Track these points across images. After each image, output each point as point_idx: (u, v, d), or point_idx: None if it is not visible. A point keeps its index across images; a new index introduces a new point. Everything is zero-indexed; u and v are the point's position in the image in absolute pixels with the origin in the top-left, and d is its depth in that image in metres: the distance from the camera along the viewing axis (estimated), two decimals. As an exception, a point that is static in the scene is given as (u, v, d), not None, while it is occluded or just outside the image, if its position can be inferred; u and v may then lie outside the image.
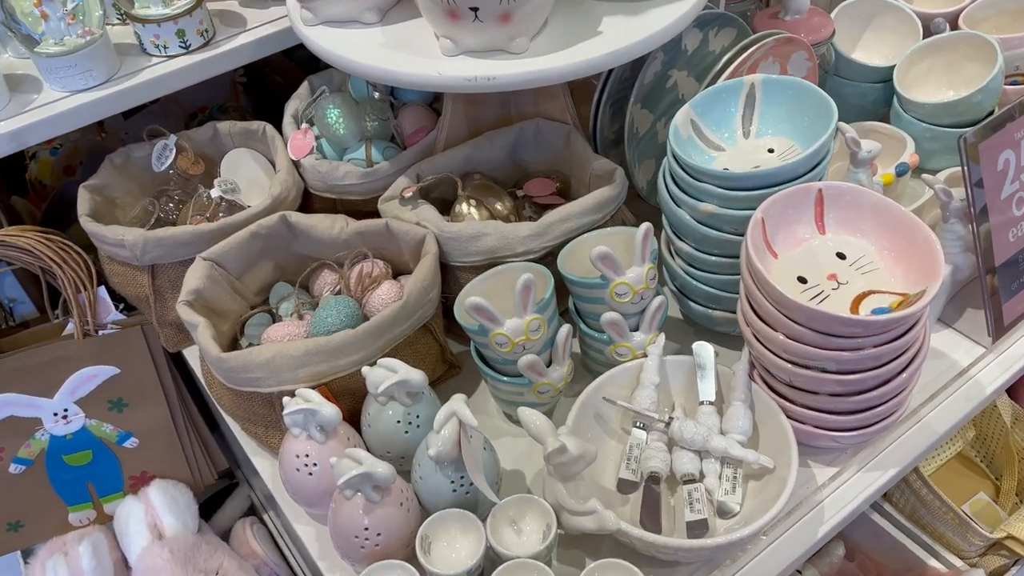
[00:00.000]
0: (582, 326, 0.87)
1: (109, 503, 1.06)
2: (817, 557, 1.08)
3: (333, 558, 0.79)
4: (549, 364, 0.84)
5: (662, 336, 0.85)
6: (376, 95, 1.05)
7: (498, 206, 0.97)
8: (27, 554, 1.01)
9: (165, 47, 0.99)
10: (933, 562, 0.98)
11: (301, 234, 0.94)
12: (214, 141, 1.07)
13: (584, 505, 0.72)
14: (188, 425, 1.07)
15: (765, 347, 0.77)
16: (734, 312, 0.84)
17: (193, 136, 1.07)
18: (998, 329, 0.90)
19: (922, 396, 0.88)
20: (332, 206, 1.04)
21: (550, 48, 0.83)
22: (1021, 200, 0.89)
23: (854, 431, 0.78)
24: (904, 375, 0.76)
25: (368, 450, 0.83)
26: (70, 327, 1.01)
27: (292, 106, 1.08)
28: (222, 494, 1.16)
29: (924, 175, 0.90)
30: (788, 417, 0.79)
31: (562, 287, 0.86)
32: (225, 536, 1.07)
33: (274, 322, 0.94)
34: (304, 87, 1.11)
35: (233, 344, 0.93)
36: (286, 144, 1.04)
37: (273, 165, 1.05)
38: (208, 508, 1.15)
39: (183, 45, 0.99)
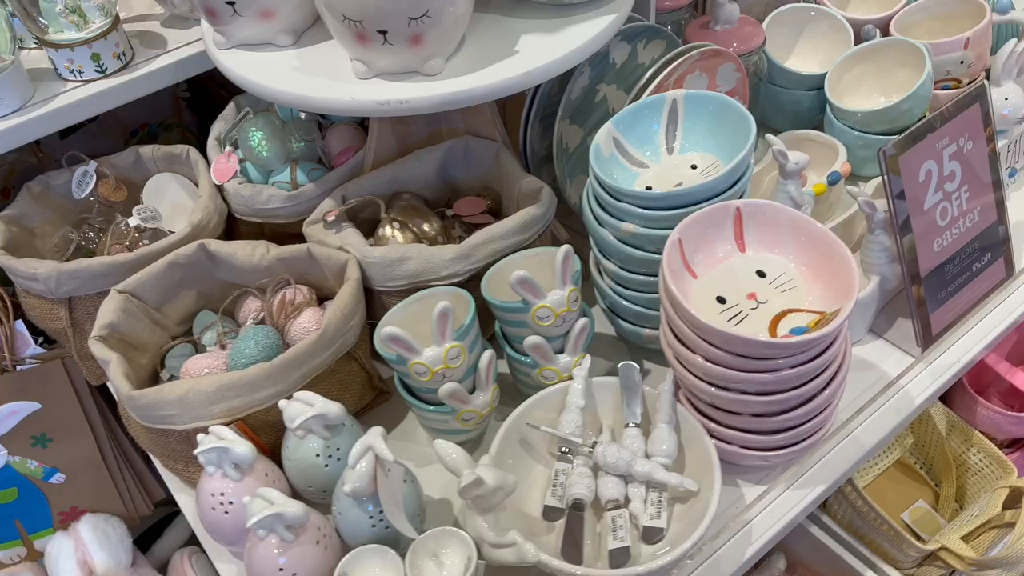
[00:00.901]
0: (508, 350, 0.86)
1: (39, 539, 1.04)
2: (757, 571, 1.07)
3: (255, 597, 0.77)
4: (474, 390, 0.82)
5: (588, 358, 0.84)
6: (302, 115, 1.03)
7: (425, 227, 0.95)
8: (-48, 596, 0.98)
9: (80, 72, 0.96)
10: (870, 574, 0.98)
11: (222, 262, 0.91)
12: (137, 166, 1.05)
13: (504, 537, 0.70)
14: (119, 457, 1.05)
15: (686, 369, 0.76)
16: (660, 331, 0.84)
17: (115, 161, 1.04)
18: (926, 339, 0.90)
19: (850, 409, 0.87)
20: (259, 231, 1.02)
21: (466, 68, 0.82)
22: (945, 210, 0.89)
23: (780, 450, 0.78)
24: (826, 392, 0.75)
25: (290, 484, 0.81)
26: (-11, 363, 0.98)
27: (217, 128, 1.06)
28: (164, 523, 1.14)
29: (848, 187, 0.90)
30: (714, 437, 0.78)
31: (489, 310, 0.85)
32: (165, 567, 1.05)
33: (197, 352, 0.92)
34: (230, 108, 1.09)
35: (154, 377, 0.91)
36: (210, 168, 1.01)
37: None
38: (150, 538, 1.13)
39: (99, 69, 0.97)
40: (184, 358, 0.89)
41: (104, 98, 0.97)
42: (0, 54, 0.91)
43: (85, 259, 0.91)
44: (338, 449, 0.78)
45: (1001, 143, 1.04)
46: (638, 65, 1.04)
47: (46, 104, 0.95)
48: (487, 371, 0.81)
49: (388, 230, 0.91)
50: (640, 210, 0.80)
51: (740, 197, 0.82)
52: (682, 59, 0.94)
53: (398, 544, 0.74)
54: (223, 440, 0.74)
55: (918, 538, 1.03)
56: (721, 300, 0.76)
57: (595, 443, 0.79)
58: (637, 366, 0.82)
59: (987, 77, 1.09)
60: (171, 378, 0.89)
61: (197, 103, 1.42)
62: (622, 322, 0.91)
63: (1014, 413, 1.00)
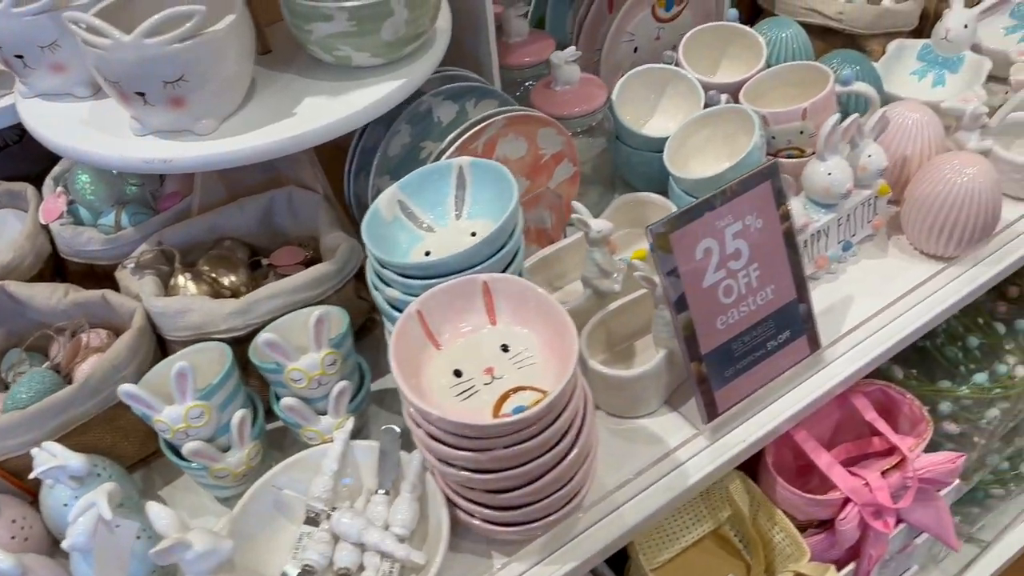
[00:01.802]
0: (275, 408, 0.87)
1: None
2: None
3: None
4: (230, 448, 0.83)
5: (350, 421, 0.84)
6: (137, 159, 1.05)
7: (232, 278, 0.96)
8: None
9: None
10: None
11: (23, 303, 0.94)
12: (-20, 200, 1.08)
13: (211, 602, 0.71)
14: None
15: (420, 442, 0.76)
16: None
17: (-42, 196, 1.07)
18: (710, 415, 0.89)
19: (616, 481, 0.87)
20: (90, 271, 1.04)
21: (240, 128, 0.83)
22: (730, 288, 0.88)
23: (518, 526, 0.77)
24: (557, 470, 0.74)
25: (46, 527, 0.82)
26: None
27: (56, 168, 1.08)
28: None
29: (633, 261, 0.89)
30: (460, 509, 0.78)
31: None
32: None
33: (6, 390, 0.94)
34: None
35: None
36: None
37: (44, 227, 1.06)
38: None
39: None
40: (-20, 397, 0.91)
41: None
42: None
43: None
44: (86, 499, 0.79)
45: (827, 218, 1.02)
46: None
47: None
48: (239, 430, 0.81)
49: (180, 280, 0.93)
50: (400, 278, 0.80)
51: (511, 263, 0.83)
52: (486, 123, 0.94)
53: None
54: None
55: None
56: (458, 373, 0.76)
57: (334, 509, 0.79)
58: (397, 430, 0.83)
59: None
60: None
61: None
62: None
63: (808, 495, 0.98)
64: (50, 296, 0.93)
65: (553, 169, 1.06)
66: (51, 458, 0.77)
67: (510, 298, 0.78)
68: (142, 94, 0.77)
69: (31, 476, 0.77)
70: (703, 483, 0.88)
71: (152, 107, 0.79)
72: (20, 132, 1.10)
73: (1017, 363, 1.15)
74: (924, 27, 1.33)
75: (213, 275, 0.95)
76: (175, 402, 0.78)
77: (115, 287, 0.95)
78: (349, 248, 0.94)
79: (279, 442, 0.93)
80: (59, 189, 1.04)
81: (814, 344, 0.95)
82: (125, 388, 0.76)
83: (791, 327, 0.93)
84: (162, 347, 0.92)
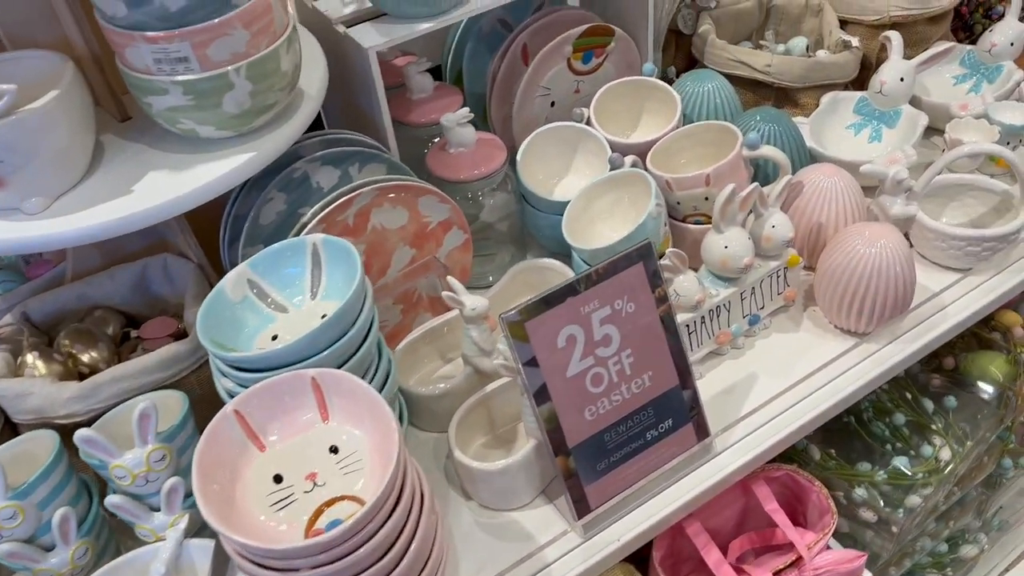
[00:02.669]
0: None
1: None
2: None
3: None
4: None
5: (185, 518, 0.79)
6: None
7: (93, 354, 0.92)
8: None
9: None
10: None
11: None
12: None
13: None
14: None
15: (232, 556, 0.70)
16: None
17: None
18: (581, 512, 0.83)
19: (475, 590, 0.81)
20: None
21: (78, 206, 0.79)
22: (599, 377, 0.82)
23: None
24: (383, 588, 0.69)
25: None
26: None
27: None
28: None
29: (499, 346, 0.84)
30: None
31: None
32: None
33: None
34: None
35: None
36: (-90, 273, 1.00)
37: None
38: None
39: None
40: None
41: None
42: None
43: None
44: None
45: (728, 291, 0.96)
46: (355, 188, 1.00)
47: None
48: (61, 529, 0.77)
49: (29, 358, 0.88)
50: (232, 370, 0.75)
51: (355, 354, 0.78)
52: (353, 195, 0.89)
53: None
54: None
55: None
56: (278, 479, 0.70)
57: (155, 618, 0.74)
58: (233, 530, 0.77)
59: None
60: None
61: None
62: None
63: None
64: None
65: (442, 237, 1.01)
66: None
67: (341, 395, 0.73)
68: (-43, 174, 0.73)
69: None
70: (572, 586, 0.82)
71: (-29, 187, 0.75)
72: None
73: (943, 446, 1.07)
74: (867, 76, 1.26)
75: (72, 351, 0.91)
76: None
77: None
78: (207, 326, 0.89)
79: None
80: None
81: (702, 432, 0.89)
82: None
83: (674, 415, 0.87)
84: (14, 429, 0.88)
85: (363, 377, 0.80)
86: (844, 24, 1.32)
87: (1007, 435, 1.26)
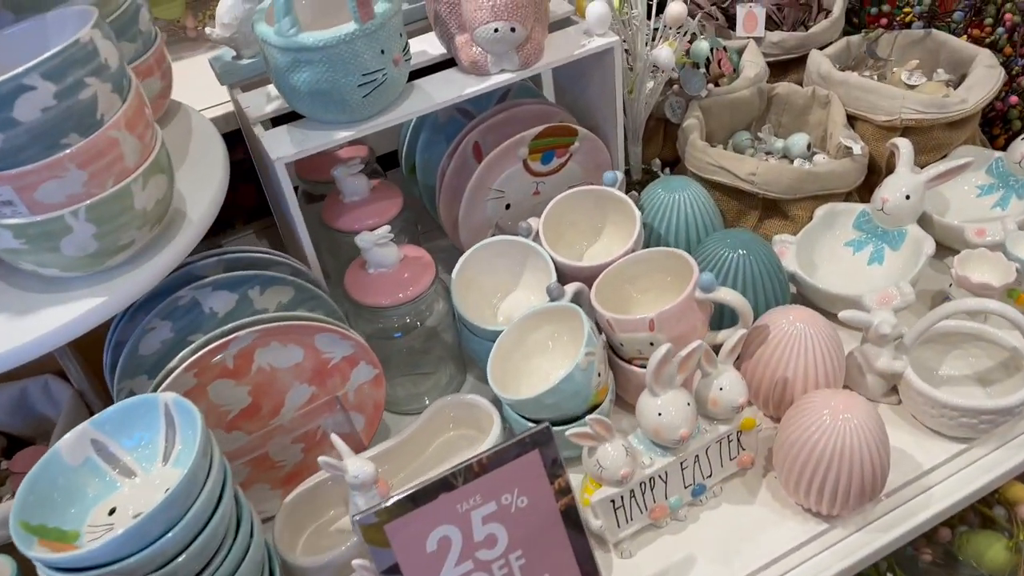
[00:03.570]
0: None
1: None
2: None
3: None
4: None
5: None
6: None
7: (-49, 488, 0.84)
8: None
9: None
10: None
11: None
12: None
13: None
14: None
15: None
16: None
17: None
18: None
19: None
20: None
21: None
22: (481, 582, 0.70)
23: None
24: None
25: None
26: None
27: None
28: None
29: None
30: None
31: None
32: None
33: None
34: None
35: None
36: None
37: None
38: None
39: None
40: None
41: None
42: None
43: None
44: None
45: (665, 461, 0.82)
46: (257, 311, 0.90)
47: None
48: None
49: None
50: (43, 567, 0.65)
51: (184, 551, 0.67)
52: (228, 339, 0.79)
53: None
54: None
55: None
56: None
57: None
58: None
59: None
60: None
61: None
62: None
63: None
64: None
65: (348, 372, 0.90)
66: None
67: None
68: None
69: None
70: None
71: None
72: None
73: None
74: (875, 181, 1.10)
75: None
76: None
77: None
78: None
79: None
80: None
81: (613, 640, 0.75)
82: None
83: (577, 623, 0.74)
84: None
85: (209, 563, 0.69)
86: (853, 121, 1.17)
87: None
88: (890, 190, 1.04)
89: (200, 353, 0.78)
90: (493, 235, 1.06)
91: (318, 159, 1.10)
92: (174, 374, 0.78)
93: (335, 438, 0.79)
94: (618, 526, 0.83)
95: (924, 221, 1.09)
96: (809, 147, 1.17)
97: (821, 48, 1.25)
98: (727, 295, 0.87)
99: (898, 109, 1.11)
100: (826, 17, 1.29)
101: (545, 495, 0.70)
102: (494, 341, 0.93)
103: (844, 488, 0.80)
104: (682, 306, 0.86)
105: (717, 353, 0.84)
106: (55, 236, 0.68)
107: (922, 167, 1.12)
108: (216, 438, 0.83)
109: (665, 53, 1.04)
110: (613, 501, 0.81)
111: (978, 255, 1.00)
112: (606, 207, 1.04)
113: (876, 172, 1.15)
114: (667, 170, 1.22)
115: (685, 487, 0.85)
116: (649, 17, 1.07)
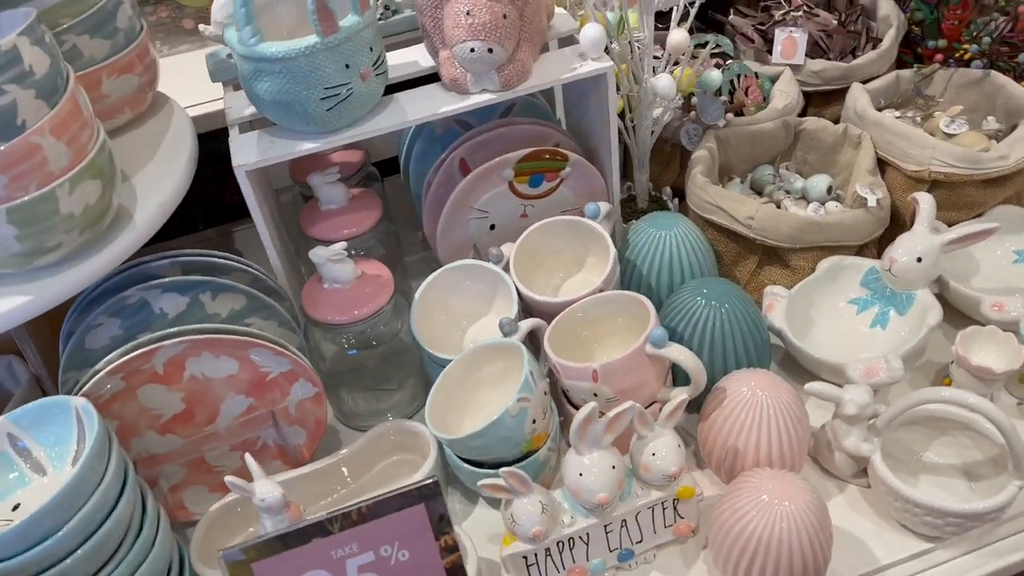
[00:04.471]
0: None
1: None
2: None
3: None
4: None
5: None
6: None
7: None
8: None
9: None
10: None
11: None
12: None
13: None
14: None
15: None
16: None
17: None
18: None
19: None
20: None
21: None
22: (356, 632, 0.67)
23: None
24: None
25: None
26: None
27: None
28: None
29: None
30: None
31: None
32: None
33: None
34: None
35: None
36: None
37: None
38: None
39: None
40: None
41: None
42: None
43: None
44: None
45: (586, 523, 0.78)
46: (209, 315, 0.90)
47: None
48: None
49: None
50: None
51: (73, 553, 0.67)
52: (154, 347, 0.79)
53: None
54: None
55: None
56: None
57: None
58: None
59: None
60: None
61: None
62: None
63: None
64: None
65: (287, 388, 0.89)
66: None
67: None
68: None
69: None
70: None
71: None
72: None
73: None
74: (897, 233, 1.00)
75: None
76: None
77: None
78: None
79: None
80: None
81: None
82: None
83: None
84: None
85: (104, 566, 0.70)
86: (884, 167, 1.08)
87: None
88: (901, 250, 0.95)
89: (125, 358, 0.78)
90: (473, 256, 1.03)
91: (312, 161, 1.10)
92: (98, 376, 0.79)
93: (248, 458, 0.78)
94: (530, 584, 0.79)
95: (942, 285, 0.99)
96: (831, 190, 1.08)
97: (866, 81, 1.16)
98: (679, 354, 0.82)
99: (928, 159, 1.01)
100: (874, 47, 1.19)
101: (429, 551, 0.68)
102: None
103: (779, 578, 0.74)
104: (629, 359, 0.81)
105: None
106: (-33, 236, 0.69)
107: (951, 224, 1.03)
108: (148, 440, 0.85)
109: (664, 81, 0.97)
110: (525, 558, 0.78)
111: (987, 333, 0.90)
112: (587, 239, 0.99)
113: (900, 225, 1.05)
114: (676, 200, 1.16)
115: (611, 551, 0.81)
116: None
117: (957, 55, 1.17)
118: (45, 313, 0.84)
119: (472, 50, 0.87)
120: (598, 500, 0.75)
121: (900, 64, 1.22)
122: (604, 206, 0.98)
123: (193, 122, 1.00)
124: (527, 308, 0.95)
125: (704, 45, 1.21)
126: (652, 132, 1.08)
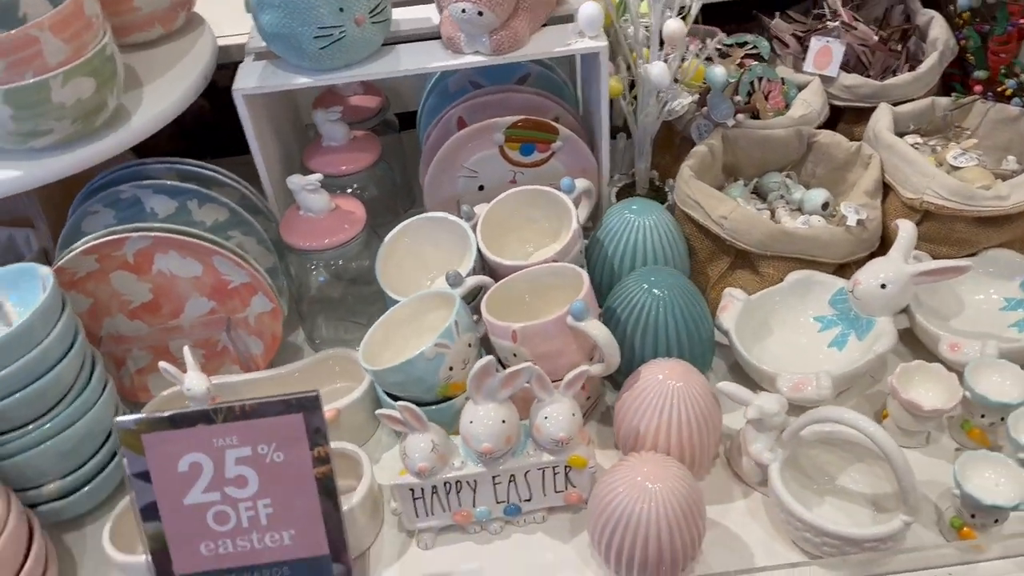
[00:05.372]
0: None
1: None
2: None
3: None
4: None
5: None
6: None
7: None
8: None
9: None
10: None
11: None
12: None
13: None
14: None
15: None
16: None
17: None
18: (177, 643, 0.77)
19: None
20: None
21: None
22: (225, 515, 0.74)
23: None
24: None
25: None
26: None
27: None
28: None
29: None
30: None
31: None
32: None
33: None
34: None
35: None
36: None
37: None
38: None
39: None
40: None
41: None
42: None
43: None
44: None
45: (473, 470, 0.81)
46: (195, 222, 0.98)
47: None
48: None
49: None
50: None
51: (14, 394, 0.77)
52: (123, 236, 0.88)
53: None
54: None
55: None
56: None
57: None
58: None
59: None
60: None
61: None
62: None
63: None
64: None
65: (248, 299, 0.96)
66: None
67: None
68: None
69: None
70: None
71: None
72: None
73: None
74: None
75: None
76: None
77: None
78: None
79: None
80: None
81: (351, 614, 0.78)
82: None
83: (317, 584, 0.77)
84: None
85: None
86: (887, 190, 1.05)
87: None
88: (867, 273, 0.93)
89: (97, 242, 0.87)
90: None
91: (332, 99, 1.17)
92: (73, 253, 0.88)
93: (186, 350, 0.85)
94: (416, 516, 0.84)
95: (910, 317, 0.97)
96: (827, 206, 1.06)
97: (901, 103, 1.12)
98: (594, 329, 0.84)
99: (923, 188, 0.98)
100: (911, 70, 1.15)
101: (302, 458, 0.73)
102: (403, 310, 0.96)
103: (640, 557, 0.75)
104: (548, 326, 0.84)
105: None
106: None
107: (937, 259, 1.00)
108: (118, 322, 0.94)
109: (658, 69, 0.98)
110: (412, 490, 0.82)
111: (931, 370, 0.88)
112: (560, 212, 1.01)
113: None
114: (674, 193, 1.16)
115: (497, 502, 0.84)
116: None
117: (999, 89, 1.12)
118: (61, 194, 0.95)
119: (463, 11, 0.91)
120: (482, 448, 0.79)
121: (947, 89, 1.17)
122: (581, 183, 1.00)
123: (228, 51, 1.08)
124: (490, 269, 0.98)
125: (744, 44, 1.20)
126: (654, 121, 1.09)
